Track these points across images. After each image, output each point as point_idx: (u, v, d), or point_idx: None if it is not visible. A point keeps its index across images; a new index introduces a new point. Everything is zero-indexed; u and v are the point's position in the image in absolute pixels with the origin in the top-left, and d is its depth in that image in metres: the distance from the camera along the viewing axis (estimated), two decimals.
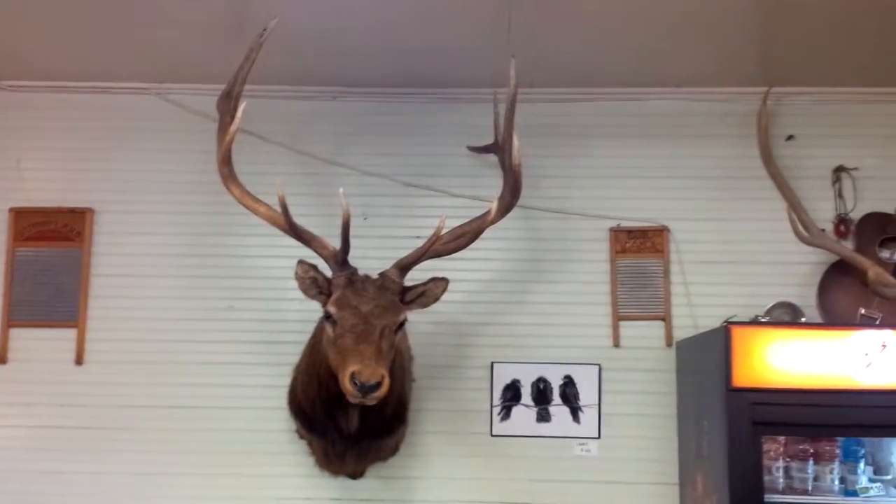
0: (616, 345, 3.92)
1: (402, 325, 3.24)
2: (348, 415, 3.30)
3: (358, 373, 2.95)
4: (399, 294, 3.24)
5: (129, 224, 4.04)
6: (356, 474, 3.75)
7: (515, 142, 3.39)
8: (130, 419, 3.89)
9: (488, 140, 3.74)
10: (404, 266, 3.28)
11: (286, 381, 3.65)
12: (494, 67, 3.43)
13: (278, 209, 3.12)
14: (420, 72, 3.95)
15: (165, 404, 3.89)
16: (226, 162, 3.29)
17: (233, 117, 3.22)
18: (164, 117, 4.10)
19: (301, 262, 3.21)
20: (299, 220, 3.22)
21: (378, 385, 2.97)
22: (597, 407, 3.86)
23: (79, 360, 3.93)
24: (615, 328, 3.93)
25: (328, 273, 3.24)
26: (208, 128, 3.54)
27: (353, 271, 3.23)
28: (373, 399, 3.01)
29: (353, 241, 3.16)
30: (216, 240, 4.02)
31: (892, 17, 3.42)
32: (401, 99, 4.10)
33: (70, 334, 3.94)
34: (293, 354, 3.62)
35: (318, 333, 3.38)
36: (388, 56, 3.80)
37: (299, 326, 3.67)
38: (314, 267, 3.22)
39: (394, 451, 3.75)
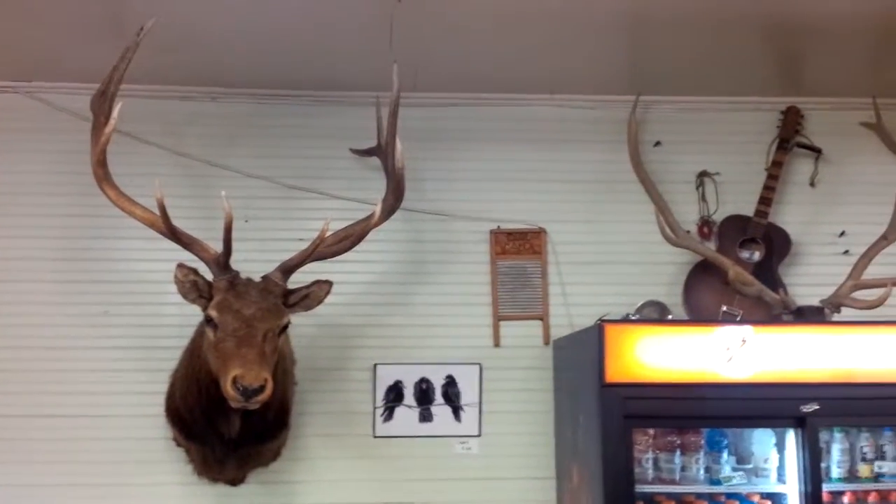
0: (496, 344, 4.02)
1: (285, 328, 3.24)
2: (229, 420, 3.27)
3: (240, 377, 2.94)
4: (282, 297, 3.23)
5: None
6: (236, 480, 3.71)
7: (398, 145, 3.43)
8: (1, 429, 3.73)
9: (371, 143, 3.77)
10: (288, 269, 3.27)
11: (163, 387, 3.58)
12: (377, 71, 3.46)
13: (156, 211, 3.06)
14: (302, 74, 3.94)
15: (37, 413, 3.75)
16: (101, 163, 3.20)
17: (108, 117, 3.14)
18: (33, 117, 3.94)
19: (180, 266, 3.16)
20: (179, 223, 3.17)
21: (261, 389, 2.96)
22: (478, 405, 3.94)
23: None
24: (495, 328, 4.03)
25: (209, 277, 3.20)
26: (82, 128, 3.42)
27: (235, 275, 3.20)
28: (255, 403, 3.00)
29: (235, 244, 3.13)
30: (91, 243, 3.89)
31: (751, 31, 3.64)
32: (283, 101, 4.08)
33: None
34: (171, 360, 3.56)
35: (197, 338, 3.33)
36: (270, 57, 3.78)
37: (177, 331, 3.61)
38: (194, 270, 3.17)
39: (276, 455, 3.73)
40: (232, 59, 3.79)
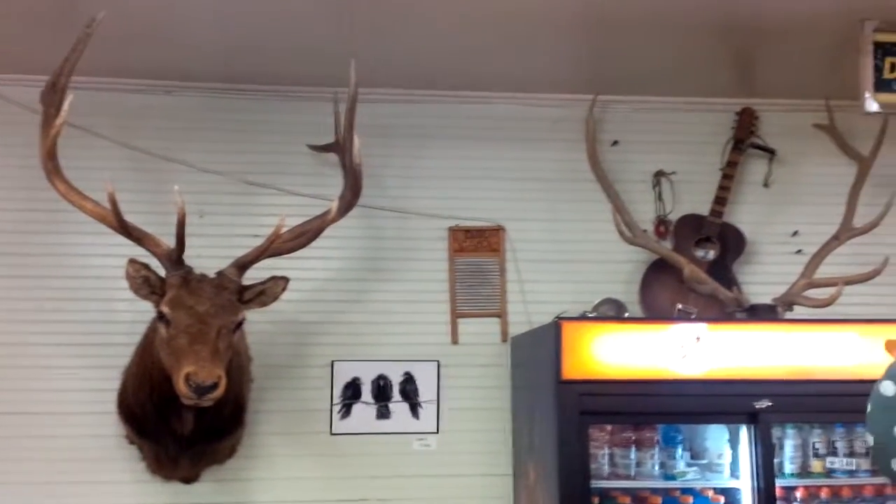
0: (454, 341, 4.01)
1: (239, 324, 3.21)
2: (182, 417, 3.24)
3: (193, 374, 2.91)
4: (237, 293, 3.20)
5: None
6: (190, 478, 3.67)
7: (356, 141, 3.42)
8: None
9: (329, 139, 3.75)
10: (243, 265, 3.25)
11: (115, 384, 3.53)
12: (336, 66, 3.44)
13: (108, 206, 3.01)
14: (259, 68, 3.90)
15: None
16: (51, 156, 3.13)
17: (58, 110, 3.07)
18: None
19: (132, 261, 3.11)
20: (131, 218, 3.13)
21: (214, 386, 2.93)
22: (435, 402, 3.94)
23: None
24: (453, 325, 4.03)
25: (162, 273, 3.16)
26: (33, 120, 3.34)
27: (189, 270, 3.17)
28: (209, 400, 2.97)
29: (189, 240, 3.09)
30: (40, 238, 3.82)
31: (707, 33, 3.67)
32: (240, 95, 4.03)
33: None
34: (123, 357, 3.51)
35: (150, 334, 3.29)
36: (227, 51, 3.73)
37: (129, 328, 3.57)
38: (146, 266, 3.13)
39: (230, 453, 3.70)
40: (188, 53, 3.74)
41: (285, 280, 3.30)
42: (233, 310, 3.15)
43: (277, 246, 3.25)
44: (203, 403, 2.99)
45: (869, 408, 1.90)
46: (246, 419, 3.63)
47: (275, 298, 3.31)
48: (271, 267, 3.34)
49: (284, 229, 3.21)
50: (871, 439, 1.89)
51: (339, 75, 3.40)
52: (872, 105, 3.42)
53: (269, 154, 4.02)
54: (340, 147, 3.57)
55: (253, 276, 3.29)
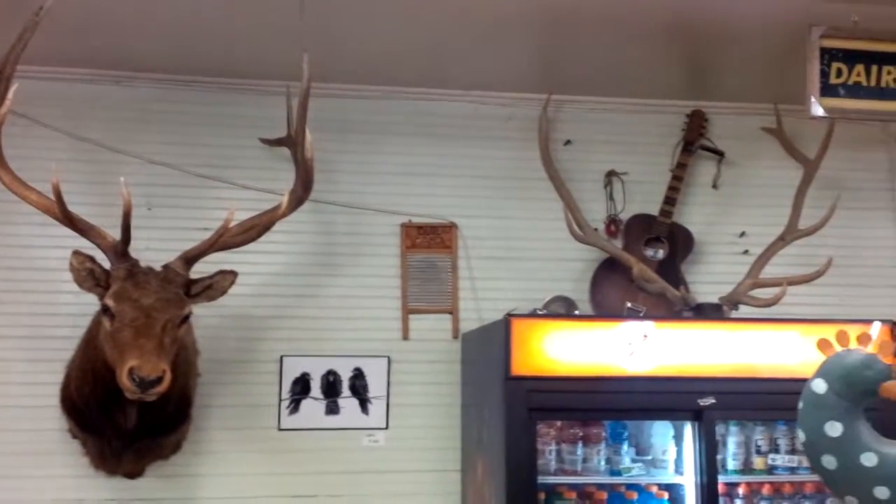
0: (405, 337, 4.01)
1: (186, 318, 3.18)
2: (126, 412, 3.20)
3: (137, 367, 2.88)
4: (184, 287, 3.17)
5: None
6: (135, 474, 3.62)
7: (308, 135, 3.40)
8: None
9: (282, 133, 3.72)
10: (190, 258, 3.21)
11: (59, 377, 3.48)
12: (289, 60, 3.41)
13: (52, 197, 2.95)
14: (212, 60, 3.86)
15: None
16: None
17: (3, 99, 3.02)
18: None
19: (76, 253, 3.06)
20: (78, 210, 3.10)
21: (158, 380, 2.91)
22: (385, 398, 3.93)
23: None
24: (405, 321, 4.02)
25: (107, 265, 3.11)
26: None
27: (134, 263, 3.13)
28: (153, 395, 2.95)
29: (136, 233, 3.07)
30: None
31: (659, 36, 3.72)
32: (191, 87, 3.99)
33: None
34: (66, 350, 3.46)
35: (94, 327, 3.25)
36: (179, 42, 3.69)
37: (73, 321, 3.51)
38: (91, 258, 3.08)
39: (176, 448, 3.65)
40: (139, 43, 3.69)
41: (234, 274, 3.28)
42: (179, 304, 3.12)
43: (226, 240, 3.23)
44: (147, 398, 2.96)
45: (801, 405, 1.94)
46: (192, 414, 3.60)
47: (223, 293, 3.29)
48: (220, 261, 3.31)
49: (234, 223, 3.19)
50: (802, 436, 1.93)
51: (293, 69, 3.37)
52: (818, 109, 3.49)
53: (220, 147, 3.98)
54: (292, 141, 3.53)
55: (202, 269, 3.26)
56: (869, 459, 1.82)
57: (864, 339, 1.91)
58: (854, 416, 1.86)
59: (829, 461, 1.86)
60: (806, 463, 3.41)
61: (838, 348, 1.93)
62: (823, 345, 1.95)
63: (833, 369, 1.91)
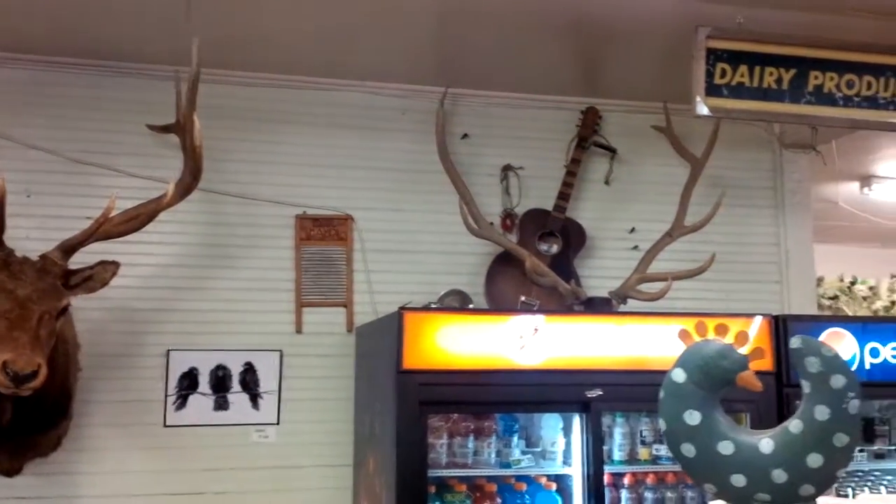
0: (298, 331, 3.96)
1: (64, 310, 3.07)
2: (1, 406, 3.05)
3: (11, 361, 2.78)
4: (62, 277, 3.05)
5: None
6: (11, 471, 3.46)
7: (196, 122, 3.31)
8: None
9: (172, 119, 3.61)
10: (69, 248, 3.10)
11: None
12: (179, 44, 3.30)
13: None
14: (97, 42, 3.72)
15: None
16: None
17: None
18: None
19: None
20: None
21: (34, 375, 2.81)
22: (277, 393, 3.87)
23: None
24: (298, 314, 3.97)
25: None
26: None
27: (10, 252, 3.01)
28: (27, 390, 2.84)
29: (14, 221, 2.97)
30: None
31: (555, 33, 3.76)
32: (74, 69, 3.84)
33: None
34: None
35: None
36: (61, 22, 3.54)
37: None
38: None
39: (55, 445, 3.52)
40: (19, 23, 3.52)
41: (115, 265, 3.17)
42: (56, 295, 3.00)
43: (108, 228, 3.12)
44: (22, 393, 2.85)
45: (662, 394, 1.99)
46: (72, 410, 3.48)
47: (104, 284, 3.17)
48: (105, 251, 3.20)
49: (117, 211, 3.09)
50: (663, 425, 1.98)
51: (183, 54, 3.27)
52: (703, 109, 3.58)
53: (105, 133, 3.84)
54: (181, 128, 3.43)
55: (85, 260, 3.15)
56: (726, 448, 1.87)
57: (721, 329, 1.98)
58: (711, 405, 1.92)
59: (688, 449, 1.91)
60: None
61: (697, 339, 1.99)
62: (683, 335, 2.00)
63: (691, 359, 1.96)
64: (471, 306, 3.93)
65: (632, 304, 3.90)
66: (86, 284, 3.12)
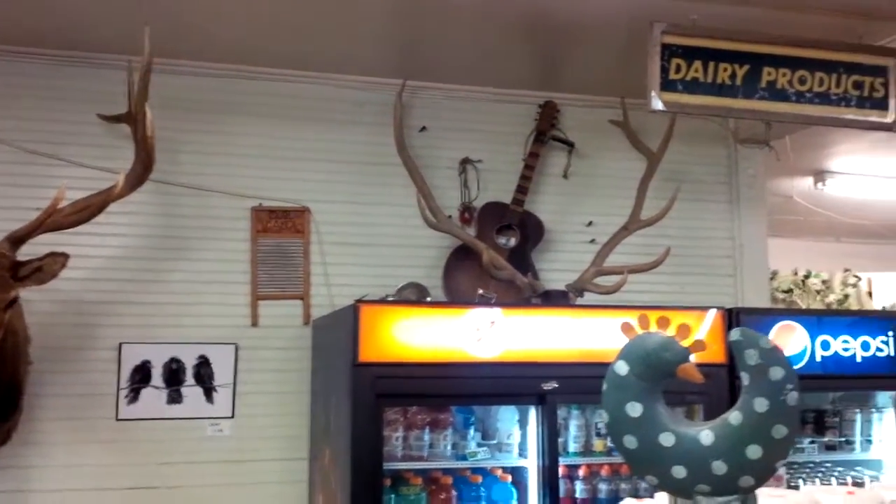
0: (254, 324, 3.94)
1: (12, 303, 3.03)
2: None
3: None
4: (9, 269, 3.02)
5: None
6: None
7: (148, 112, 3.26)
8: None
9: (123, 109, 3.56)
10: (17, 239, 3.07)
11: None
12: (130, 33, 3.26)
13: None
14: (47, 30, 3.65)
15: None
16: None
17: None
18: None
19: None
20: None
21: None
22: (232, 386, 3.84)
23: None
24: (254, 307, 3.94)
25: None
26: None
27: None
28: None
29: None
30: None
31: (513, 27, 3.76)
32: (24, 59, 3.78)
33: None
34: None
35: None
36: (8, 10, 3.46)
37: None
38: None
39: (5, 439, 3.47)
40: None
41: (65, 256, 3.12)
42: (4, 287, 2.97)
43: (57, 219, 3.08)
44: None
45: (605, 386, 2.00)
46: (23, 403, 3.43)
47: (53, 276, 3.13)
48: (55, 243, 3.15)
49: (66, 202, 3.04)
50: (606, 416, 1.99)
51: (134, 43, 3.22)
52: (658, 104, 3.60)
53: (56, 122, 3.78)
54: (132, 118, 3.38)
55: (34, 252, 3.10)
56: (667, 439, 1.89)
57: (663, 322, 1.99)
58: (653, 397, 1.93)
59: (630, 441, 1.93)
60: None
61: (640, 331, 2.00)
62: (626, 328, 2.02)
63: (634, 351, 1.98)
64: (428, 299, 3.92)
65: (588, 297, 3.92)
66: (35, 276, 3.09)
